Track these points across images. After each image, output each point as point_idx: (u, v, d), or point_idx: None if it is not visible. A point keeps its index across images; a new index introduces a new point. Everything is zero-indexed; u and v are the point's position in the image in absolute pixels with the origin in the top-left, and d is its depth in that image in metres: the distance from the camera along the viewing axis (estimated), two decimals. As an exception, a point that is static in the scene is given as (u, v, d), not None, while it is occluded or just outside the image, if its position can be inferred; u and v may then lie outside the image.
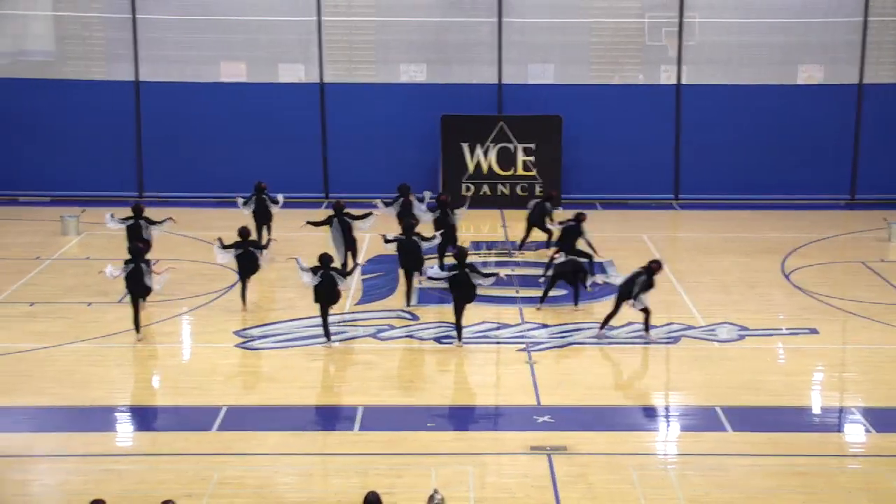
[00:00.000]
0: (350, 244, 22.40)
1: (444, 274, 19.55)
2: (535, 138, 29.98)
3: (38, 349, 19.04)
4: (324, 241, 22.87)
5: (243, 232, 21.08)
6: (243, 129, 30.44)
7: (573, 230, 22.57)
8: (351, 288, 21.09)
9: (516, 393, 17.35)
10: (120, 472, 14.59)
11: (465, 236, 24.95)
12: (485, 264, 23.43)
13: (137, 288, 19.30)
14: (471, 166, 30.08)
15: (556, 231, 23.26)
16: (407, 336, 19.83)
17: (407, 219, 22.28)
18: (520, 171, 30.09)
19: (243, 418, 16.33)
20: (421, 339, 19.71)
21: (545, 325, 20.31)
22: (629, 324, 19.98)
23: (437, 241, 22.12)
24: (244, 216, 24.05)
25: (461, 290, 19.02)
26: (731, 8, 30.63)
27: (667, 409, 17.20)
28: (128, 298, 19.68)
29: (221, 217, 26.86)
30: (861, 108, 30.46)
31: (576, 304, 21.24)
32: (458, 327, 19.27)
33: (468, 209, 24.25)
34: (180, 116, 30.49)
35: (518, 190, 30.03)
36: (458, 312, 19.18)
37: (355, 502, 12.48)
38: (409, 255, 21.23)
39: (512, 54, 30.51)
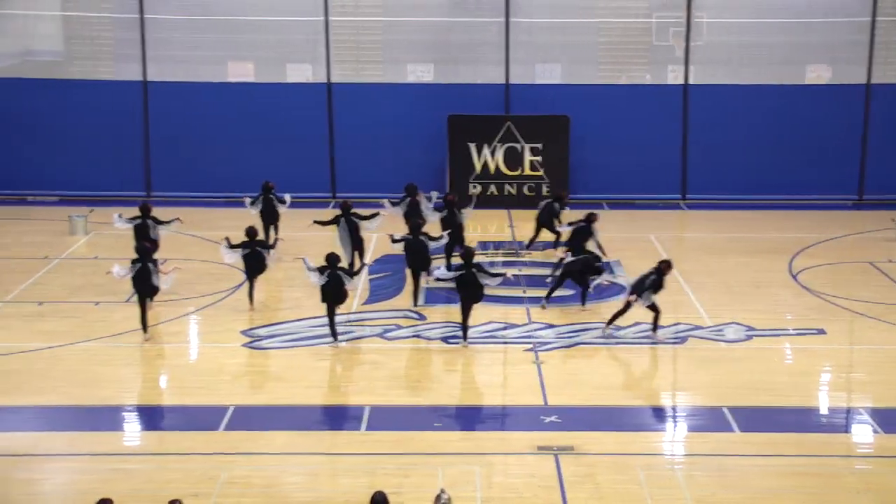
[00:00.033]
0: (357, 244, 22.42)
1: (451, 274, 19.55)
2: (542, 138, 29.97)
3: (45, 348, 19.08)
4: (331, 240, 22.89)
5: (250, 232, 21.11)
6: (251, 129, 30.46)
7: (584, 230, 22.54)
8: (358, 288, 21.10)
9: (523, 393, 17.35)
10: (127, 471, 14.62)
11: (472, 236, 24.94)
12: (492, 264, 23.42)
13: (145, 287, 19.34)
14: (478, 166, 30.08)
15: (566, 232, 23.18)
16: (414, 336, 19.84)
17: (414, 219, 22.29)
18: (527, 171, 30.08)
19: (250, 418, 16.35)
20: (428, 338, 19.72)
21: (552, 325, 20.30)
22: (636, 324, 19.97)
23: (445, 240, 22.12)
24: (251, 216, 24.05)
25: (468, 290, 19.03)
26: (739, 8, 30.60)
27: (674, 409, 17.19)
28: (135, 298, 19.73)
29: (229, 217, 26.88)
30: (869, 108, 30.40)
31: (583, 304, 21.23)
32: (464, 327, 19.28)
33: (474, 209, 24.24)
34: (188, 116, 30.52)
35: (525, 190, 30.02)
36: (465, 312, 19.19)
37: (362, 502, 12.49)
38: (416, 254, 21.24)
39: (519, 54, 30.50)
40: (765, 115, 30.44)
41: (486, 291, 19.31)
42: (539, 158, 30.03)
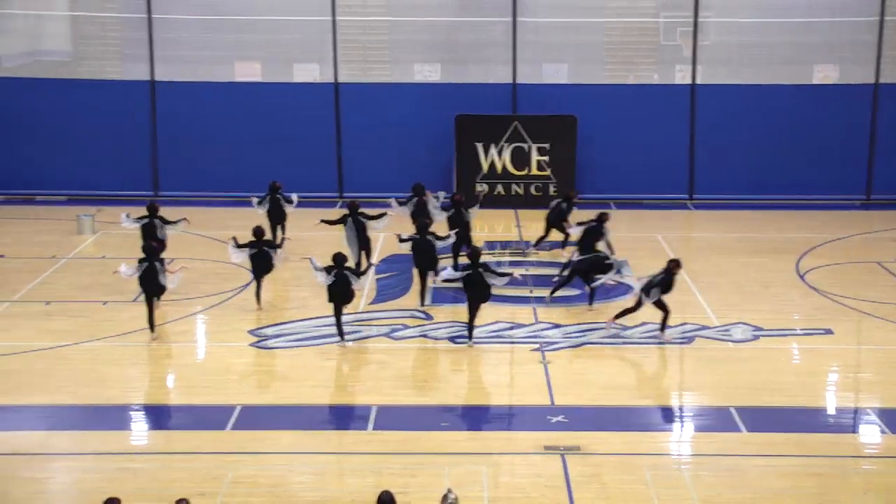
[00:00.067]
0: (364, 244, 22.43)
1: (458, 275, 19.54)
2: (549, 138, 29.96)
3: (53, 348, 19.11)
4: (338, 240, 22.90)
5: (258, 232, 21.12)
6: (258, 129, 30.50)
7: (595, 230, 22.50)
8: (365, 287, 21.10)
9: (530, 393, 17.35)
10: (135, 470, 14.64)
11: (479, 236, 24.95)
12: (499, 264, 23.40)
13: (152, 287, 19.37)
14: (485, 166, 30.08)
15: (575, 233, 23.07)
16: (421, 336, 19.84)
17: (421, 218, 22.29)
18: (534, 171, 30.07)
19: (257, 417, 16.37)
20: (435, 338, 19.72)
21: (559, 325, 20.30)
22: (643, 324, 19.95)
23: (452, 240, 22.12)
24: (258, 215, 24.08)
25: (475, 289, 19.02)
26: (746, 7, 30.56)
27: (681, 409, 17.17)
28: (142, 297, 19.76)
29: (236, 216, 26.91)
30: (877, 107, 30.35)
31: (590, 304, 21.21)
32: (470, 327, 19.28)
33: (480, 208, 24.21)
34: (195, 116, 30.57)
35: (532, 190, 30.02)
36: (472, 312, 19.19)
37: (369, 501, 12.49)
38: (423, 254, 21.24)
39: (526, 54, 30.49)
40: (772, 115, 30.39)
41: (493, 291, 19.31)
42: (546, 158, 30.02)
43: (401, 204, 23.66)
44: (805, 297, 22.20)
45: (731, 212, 29.73)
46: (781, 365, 18.64)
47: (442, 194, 24.33)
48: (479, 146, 29.99)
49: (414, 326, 20.25)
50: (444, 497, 11.67)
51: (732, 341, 19.58)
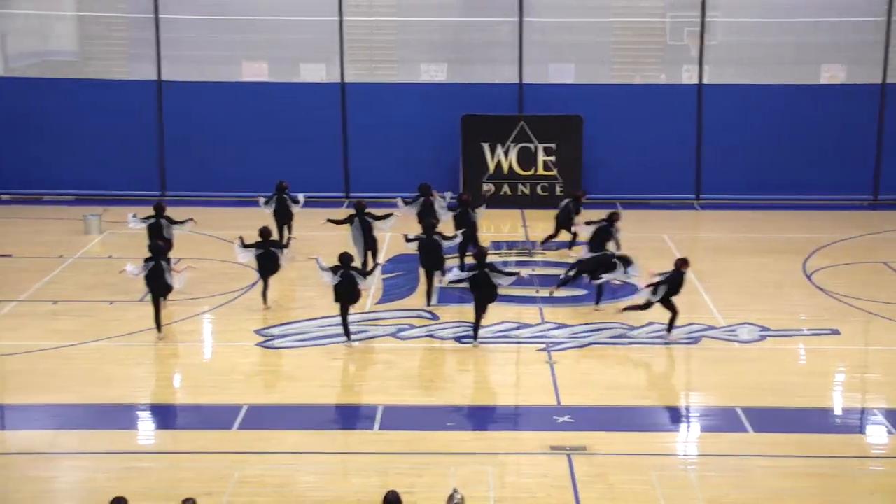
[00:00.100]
0: (370, 244, 22.44)
1: (465, 275, 19.53)
2: (555, 138, 29.94)
3: (60, 347, 19.14)
4: (344, 240, 22.90)
5: (264, 232, 21.14)
6: (264, 129, 30.52)
7: (605, 230, 22.48)
8: (371, 287, 21.11)
9: (536, 393, 17.34)
10: (141, 469, 14.66)
11: (485, 236, 24.94)
12: (505, 264, 23.38)
13: (158, 286, 19.38)
14: (491, 166, 30.07)
15: (586, 232, 23.01)
16: (427, 335, 19.84)
17: (427, 218, 22.30)
18: (540, 171, 30.06)
19: (263, 417, 16.38)
20: (441, 338, 19.72)
21: (565, 325, 20.28)
22: (650, 324, 19.94)
23: (459, 240, 22.11)
24: (265, 215, 24.10)
25: (482, 289, 19.01)
26: (753, 7, 30.53)
27: (687, 409, 17.16)
28: (149, 297, 19.78)
29: (242, 216, 26.91)
30: (884, 107, 30.28)
31: (597, 304, 21.20)
32: (476, 327, 19.28)
33: (487, 208, 24.21)
34: (202, 116, 30.60)
35: (539, 190, 30.01)
36: (479, 312, 19.18)
37: (375, 501, 12.50)
38: (429, 254, 21.24)
39: (532, 54, 30.48)
40: (779, 115, 30.34)
41: (500, 291, 19.30)
42: (552, 158, 30.00)
43: (407, 204, 23.67)
44: (812, 297, 22.17)
45: (738, 212, 29.69)
46: (788, 365, 18.61)
47: (448, 194, 24.34)
48: (486, 146, 29.99)
49: (420, 326, 20.25)
50: (450, 497, 11.67)
51: (739, 342, 19.56)
